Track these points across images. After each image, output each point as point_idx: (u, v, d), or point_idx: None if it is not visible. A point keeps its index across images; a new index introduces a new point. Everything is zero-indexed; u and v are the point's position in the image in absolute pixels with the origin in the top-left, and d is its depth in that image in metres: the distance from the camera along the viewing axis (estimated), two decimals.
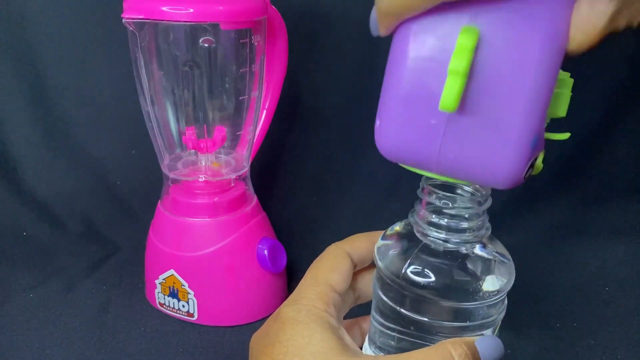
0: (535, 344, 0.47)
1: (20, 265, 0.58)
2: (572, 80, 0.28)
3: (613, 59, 0.69)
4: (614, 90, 0.71)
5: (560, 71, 0.27)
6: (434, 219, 0.33)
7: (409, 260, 0.33)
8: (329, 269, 0.35)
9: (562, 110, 0.28)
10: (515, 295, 0.53)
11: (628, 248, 0.62)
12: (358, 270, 0.38)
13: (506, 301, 0.35)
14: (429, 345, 0.33)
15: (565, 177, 0.71)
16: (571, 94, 0.28)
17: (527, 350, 0.46)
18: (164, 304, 0.51)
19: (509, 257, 0.35)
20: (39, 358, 0.45)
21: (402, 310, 0.34)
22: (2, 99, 0.68)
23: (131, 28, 0.43)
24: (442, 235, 0.33)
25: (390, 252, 0.34)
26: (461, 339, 0.31)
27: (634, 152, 0.73)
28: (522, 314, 0.51)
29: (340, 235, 0.69)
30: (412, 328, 0.34)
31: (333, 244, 0.37)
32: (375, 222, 0.67)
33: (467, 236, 0.33)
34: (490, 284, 0.33)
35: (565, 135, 0.29)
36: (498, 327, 0.35)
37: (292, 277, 0.57)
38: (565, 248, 0.62)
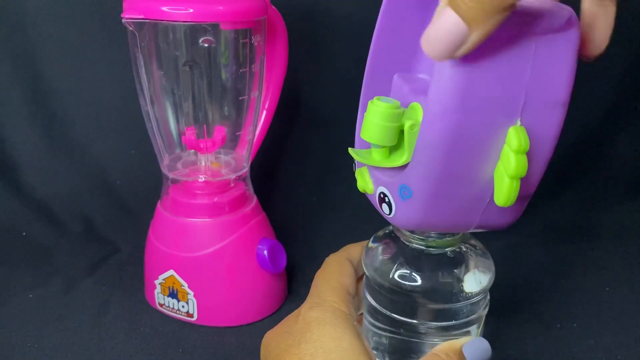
0: (535, 344, 0.47)
1: (19, 265, 0.58)
2: (400, 111, 0.29)
3: (613, 60, 0.70)
4: (614, 90, 0.71)
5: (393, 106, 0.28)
6: None
7: (394, 266, 0.34)
8: (340, 273, 0.35)
9: (386, 140, 0.29)
10: (515, 295, 0.54)
11: (628, 248, 0.62)
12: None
13: (489, 297, 0.36)
14: (418, 343, 0.33)
15: (565, 177, 0.71)
16: (397, 124, 0.29)
17: (527, 350, 0.46)
18: (164, 304, 0.51)
19: (489, 255, 0.35)
20: (39, 358, 0.45)
21: (390, 313, 0.34)
22: (2, 99, 0.68)
23: (131, 28, 0.43)
24: (424, 242, 0.33)
25: (377, 258, 0.35)
26: (449, 346, 0.31)
27: (634, 152, 0.74)
28: (522, 314, 0.51)
29: (340, 235, 0.69)
30: (401, 329, 0.34)
31: (331, 255, 0.38)
32: (374, 222, 0.67)
33: (447, 240, 0.34)
34: (473, 283, 0.33)
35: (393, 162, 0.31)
36: (483, 322, 0.36)
37: (292, 277, 0.56)
38: (565, 248, 0.62)
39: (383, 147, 0.30)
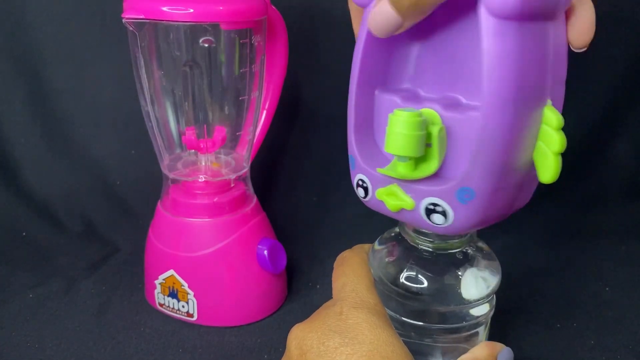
0: (535, 344, 0.47)
1: (20, 265, 0.58)
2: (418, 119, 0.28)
3: (613, 59, 0.70)
4: (614, 90, 0.71)
5: (408, 112, 0.28)
6: (422, 229, 0.33)
7: (401, 268, 0.34)
8: (368, 272, 0.34)
9: (417, 150, 0.28)
10: (515, 295, 0.54)
11: (628, 248, 0.62)
12: None
13: (495, 298, 0.36)
14: (429, 346, 0.33)
15: (565, 177, 0.71)
16: (417, 133, 0.28)
17: (526, 350, 0.46)
18: (164, 304, 0.51)
19: (495, 257, 0.35)
20: (39, 358, 0.45)
21: (399, 316, 0.34)
22: (2, 99, 0.68)
23: (131, 28, 0.43)
24: (431, 244, 0.33)
25: (383, 260, 0.35)
26: (489, 353, 0.32)
27: (634, 152, 0.74)
28: (522, 314, 0.51)
29: (340, 235, 0.69)
30: (412, 332, 0.34)
31: (348, 251, 0.37)
32: (375, 222, 0.67)
33: (454, 242, 0.33)
34: (481, 285, 0.33)
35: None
36: (489, 324, 0.36)
37: (291, 277, 0.57)
38: (565, 248, 0.62)
39: (410, 159, 0.29)
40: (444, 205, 0.29)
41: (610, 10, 0.66)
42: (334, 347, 0.29)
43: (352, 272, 0.34)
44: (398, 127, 0.28)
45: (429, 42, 0.31)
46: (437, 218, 0.30)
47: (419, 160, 0.30)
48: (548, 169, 0.29)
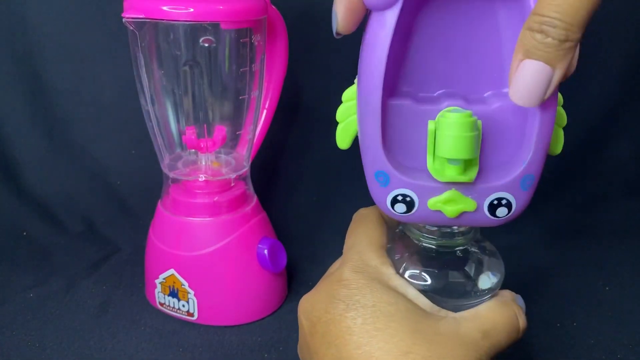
0: (535, 344, 0.47)
1: (20, 265, 0.58)
2: None
3: (613, 59, 0.70)
4: (614, 90, 0.71)
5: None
6: (425, 226, 0.33)
7: (405, 265, 0.34)
8: (380, 233, 0.35)
9: (476, 150, 0.29)
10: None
11: (628, 247, 0.62)
12: None
13: None
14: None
15: (565, 177, 0.71)
16: (471, 134, 0.29)
17: (526, 349, 0.46)
18: (164, 303, 0.51)
19: (499, 255, 0.35)
20: (39, 358, 0.45)
21: None
22: (2, 99, 0.68)
23: (131, 27, 0.43)
24: (434, 242, 0.33)
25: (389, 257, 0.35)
26: (510, 294, 0.35)
27: (634, 152, 0.74)
28: None
29: (340, 235, 0.68)
30: None
31: (363, 210, 0.38)
32: None
33: (458, 240, 0.34)
34: (484, 282, 0.34)
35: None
36: None
37: (292, 276, 0.57)
38: (565, 248, 0.62)
39: (466, 161, 0.29)
40: (509, 197, 0.30)
41: (609, 10, 0.66)
42: (339, 314, 0.30)
43: (363, 232, 0.35)
44: (451, 130, 0.27)
45: (420, 39, 0.31)
46: (501, 211, 0.31)
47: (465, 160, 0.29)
48: (559, 141, 0.31)
